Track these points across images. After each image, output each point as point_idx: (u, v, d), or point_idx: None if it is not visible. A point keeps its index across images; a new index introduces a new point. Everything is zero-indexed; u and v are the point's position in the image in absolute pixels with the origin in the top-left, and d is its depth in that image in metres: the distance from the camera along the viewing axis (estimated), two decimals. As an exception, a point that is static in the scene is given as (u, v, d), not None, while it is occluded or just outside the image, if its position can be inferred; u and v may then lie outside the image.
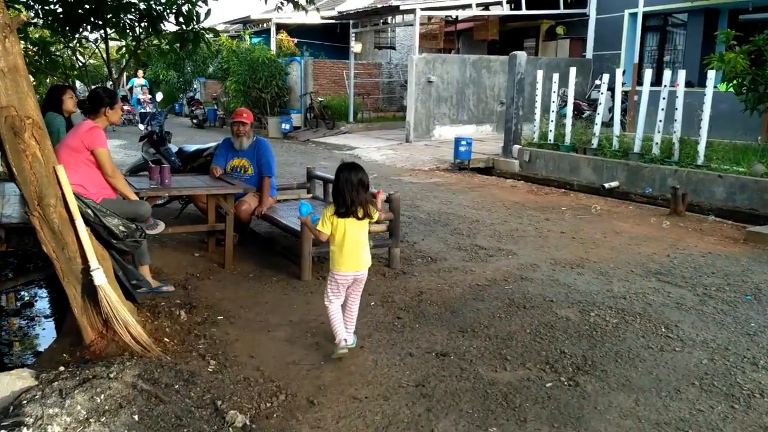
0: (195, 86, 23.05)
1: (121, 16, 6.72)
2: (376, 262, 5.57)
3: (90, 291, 3.46)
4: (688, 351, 3.86)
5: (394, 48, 22.38)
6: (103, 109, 4.36)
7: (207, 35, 6.50)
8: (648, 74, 9.97)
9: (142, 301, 4.13)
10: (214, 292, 4.76)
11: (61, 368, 3.17)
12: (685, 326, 4.24)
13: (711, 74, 9.09)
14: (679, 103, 9.28)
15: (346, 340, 3.71)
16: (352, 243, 3.63)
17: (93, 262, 3.41)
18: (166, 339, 3.72)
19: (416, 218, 7.45)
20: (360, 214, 3.61)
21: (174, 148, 7.35)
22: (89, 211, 3.52)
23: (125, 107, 18.80)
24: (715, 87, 9.23)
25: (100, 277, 3.41)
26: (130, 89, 21.55)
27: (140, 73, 21.43)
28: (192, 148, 7.18)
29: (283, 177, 10.49)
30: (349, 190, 3.58)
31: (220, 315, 4.28)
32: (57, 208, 3.34)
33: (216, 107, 22.21)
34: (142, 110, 18.15)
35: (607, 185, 9.86)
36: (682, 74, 9.36)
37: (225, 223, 5.49)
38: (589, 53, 17.04)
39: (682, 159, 9.32)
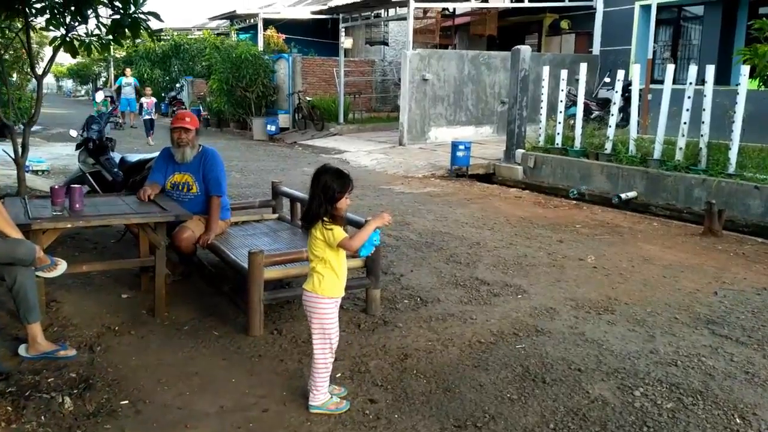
0: (178, 85, 21.80)
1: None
2: (350, 306, 4.41)
3: None
4: (783, 460, 2.70)
5: (386, 44, 21.19)
6: None
7: (147, 21, 5.30)
8: (670, 70, 8.80)
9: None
10: (129, 357, 3.58)
11: None
12: (765, 413, 3.07)
13: (744, 69, 7.93)
14: (707, 102, 8.12)
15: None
16: (310, 251, 3.06)
17: None
18: (24, 453, 2.54)
19: (406, 240, 6.27)
20: (315, 230, 2.96)
21: (117, 158, 6.19)
22: None
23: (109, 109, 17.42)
24: (737, 85, 8.13)
25: None
26: (118, 89, 20.25)
27: (128, 71, 20.13)
28: (134, 158, 6.01)
29: (257, 186, 9.33)
30: (311, 195, 2.96)
31: (124, 398, 3.10)
32: None
33: (200, 107, 21.02)
34: (147, 116, 15.87)
35: (623, 196, 8.70)
36: (710, 70, 8.19)
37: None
38: (596, 49, 15.86)
39: (710, 167, 8.15)
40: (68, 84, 62.35)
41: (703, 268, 5.47)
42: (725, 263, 5.66)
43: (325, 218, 2.87)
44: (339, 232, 2.89)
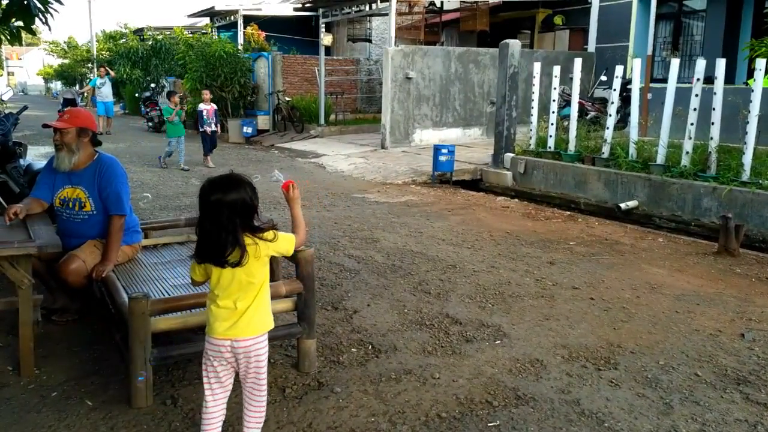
0: (153, 85, 20.76)
1: None
2: (280, 359, 3.44)
3: None
4: None
5: (370, 41, 20.23)
6: None
7: (48, 3, 4.33)
8: (675, 64, 7.86)
9: None
10: (-45, 445, 2.61)
11: None
12: None
13: (760, 63, 6.99)
14: (717, 101, 7.20)
15: None
16: (230, 292, 2.34)
17: None
18: None
19: (369, 263, 5.30)
20: (234, 259, 2.28)
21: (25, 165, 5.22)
22: None
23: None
24: (745, 83, 7.23)
25: None
26: (92, 90, 19.05)
27: (103, 70, 18.89)
28: (41, 165, 5.03)
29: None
30: (210, 224, 2.27)
31: None
32: None
33: (178, 108, 19.95)
34: (207, 127, 11.96)
35: (623, 205, 7.77)
36: (720, 64, 7.26)
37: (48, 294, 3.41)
38: (592, 46, 14.95)
39: (721, 173, 7.22)
40: (57, 85, 60.95)
41: (722, 299, 4.52)
42: (748, 292, 4.71)
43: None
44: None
